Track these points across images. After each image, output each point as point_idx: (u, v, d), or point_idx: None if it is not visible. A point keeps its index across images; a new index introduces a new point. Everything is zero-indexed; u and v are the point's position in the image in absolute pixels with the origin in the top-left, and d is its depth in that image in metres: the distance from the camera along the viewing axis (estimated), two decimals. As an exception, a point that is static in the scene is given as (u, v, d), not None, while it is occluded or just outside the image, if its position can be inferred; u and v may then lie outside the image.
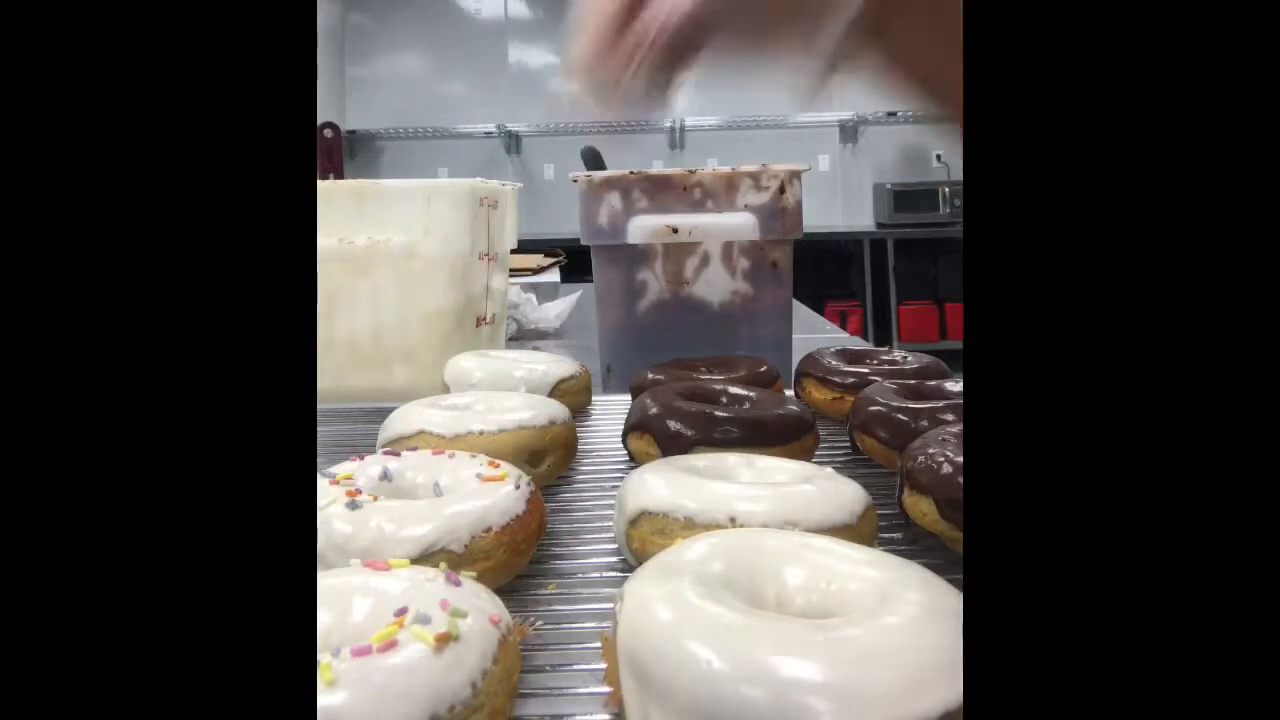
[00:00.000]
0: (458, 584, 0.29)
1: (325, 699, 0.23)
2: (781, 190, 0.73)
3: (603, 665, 0.30)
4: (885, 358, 0.68)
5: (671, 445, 0.48)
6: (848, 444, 0.57)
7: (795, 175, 0.74)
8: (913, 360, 0.67)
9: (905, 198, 3.80)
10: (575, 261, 1.71)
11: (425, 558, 0.34)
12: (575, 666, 0.32)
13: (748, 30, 0.36)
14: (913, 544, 0.42)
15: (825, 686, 0.22)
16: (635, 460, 0.52)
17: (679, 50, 0.36)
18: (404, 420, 0.50)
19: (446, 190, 0.73)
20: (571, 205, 0.77)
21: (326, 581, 0.29)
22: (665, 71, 0.37)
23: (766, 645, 0.23)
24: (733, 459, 0.44)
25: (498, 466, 0.40)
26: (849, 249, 3.86)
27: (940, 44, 0.32)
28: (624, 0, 0.36)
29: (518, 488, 0.39)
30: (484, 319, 0.78)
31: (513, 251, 0.89)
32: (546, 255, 1.77)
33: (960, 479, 0.38)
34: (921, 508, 0.40)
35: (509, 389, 0.59)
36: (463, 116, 4.12)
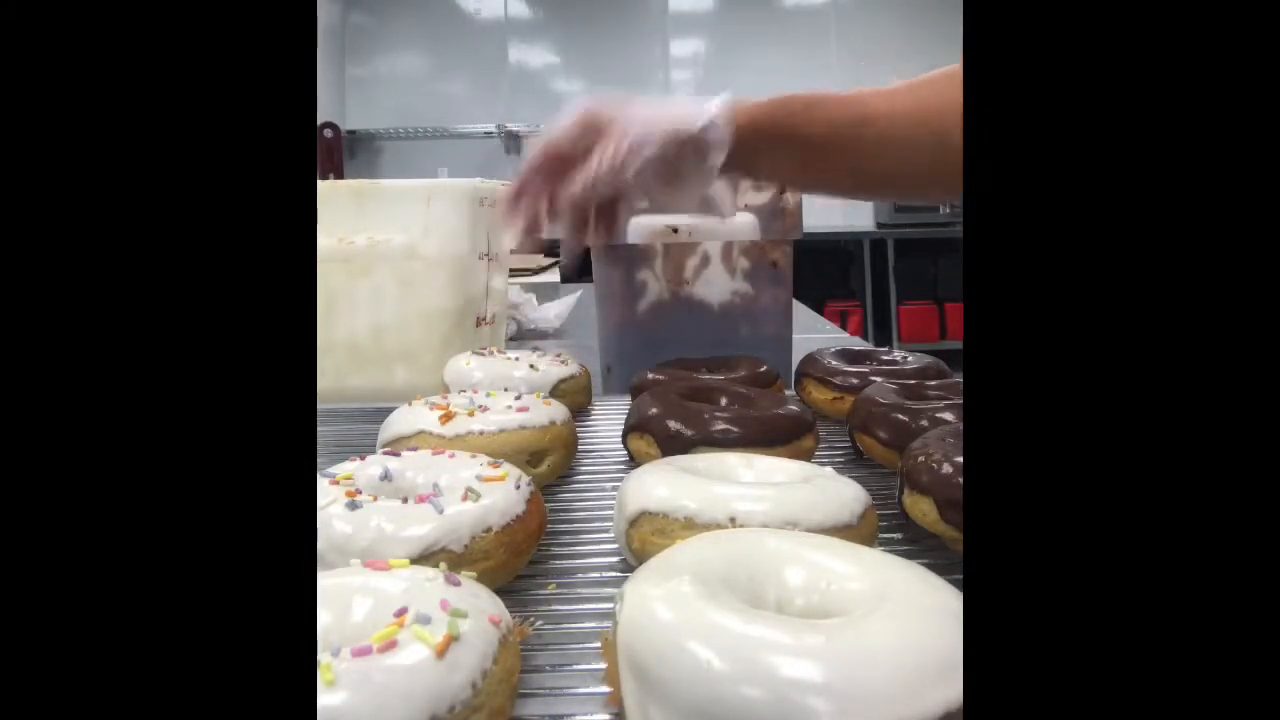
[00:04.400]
0: (457, 584, 0.29)
1: (325, 699, 0.23)
2: (781, 190, 0.73)
3: (603, 665, 0.30)
4: (885, 358, 0.68)
5: (671, 445, 0.48)
6: (848, 444, 0.57)
7: (795, 175, 0.74)
8: (913, 360, 0.67)
9: (905, 198, 3.80)
10: (575, 262, 1.71)
11: (425, 558, 0.34)
12: (575, 666, 0.32)
13: (653, 192, 0.54)
14: (913, 544, 0.42)
15: (825, 686, 0.22)
16: (635, 460, 0.52)
17: (598, 207, 0.54)
18: (404, 420, 0.50)
19: (446, 190, 0.73)
20: (571, 205, 0.77)
21: (326, 581, 0.29)
22: (583, 220, 0.54)
23: (766, 645, 0.23)
24: (733, 459, 0.44)
25: (498, 466, 0.40)
26: (849, 249, 3.86)
27: (791, 165, 0.56)
28: (540, 167, 0.53)
29: (518, 488, 0.39)
30: (484, 319, 0.78)
31: (512, 251, 0.89)
32: (546, 255, 1.77)
33: (960, 479, 0.38)
34: (921, 508, 0.40)
35: (509, 389, 0.59)
36: (463, 116, 4.12)
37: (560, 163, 0.53)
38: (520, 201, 0.54)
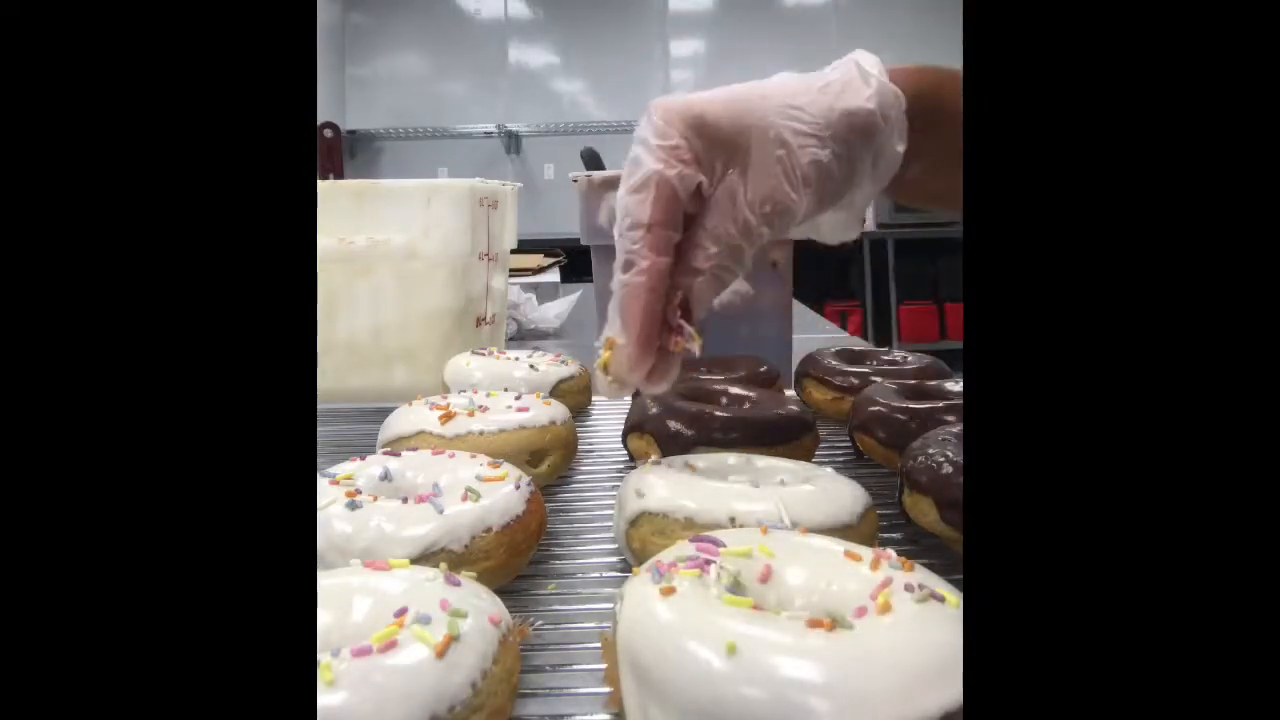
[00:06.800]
0: (457, 584, 0.29)
1: (325, 699, 0.23)
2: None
3: (603, 665, 0.30)
4: (885, 358, 0.68)
5: (671, 445, 0.48)
6: (848, 444, 0.57)
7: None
8: (913, 360, 0.67)
9: (905, 198, 3.79)
10: (575, 261, 1.71)
11: (425, 558, 0.34)
12: (575, 666, 0.32)
13: (819, 210, 0.39)
14: (913, 544, 0.42)
15: (825, 687, 0.22)
16: (635, 460, 0.52)
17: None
18: (404, 420, 0.50)
19: (446, 190, 0.73)
20: (571, 205, 0.77)
21: (326, 581, 0.29)
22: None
23: (766, 645, 0.23)
24: (733, 459, 0.44)
25: (498, 466, 0.40)
26: (849, 249, 3.86)
27: (948, 174, 0.39)
28: (658, 237, 0.39)
29: (518, 488, 0.39)
30: (484, 319, 0.78)
31: (513, 251, 0.89)
32: (546, 255, 1.77)
33: (960, 479, 0.38)
34: (921, 508, 0.40)
35: (509, 389, 0.59)
36: (463, 116, 4.12)
37: (676, 219, 0.38)
38: (641, 307, 0.40)
